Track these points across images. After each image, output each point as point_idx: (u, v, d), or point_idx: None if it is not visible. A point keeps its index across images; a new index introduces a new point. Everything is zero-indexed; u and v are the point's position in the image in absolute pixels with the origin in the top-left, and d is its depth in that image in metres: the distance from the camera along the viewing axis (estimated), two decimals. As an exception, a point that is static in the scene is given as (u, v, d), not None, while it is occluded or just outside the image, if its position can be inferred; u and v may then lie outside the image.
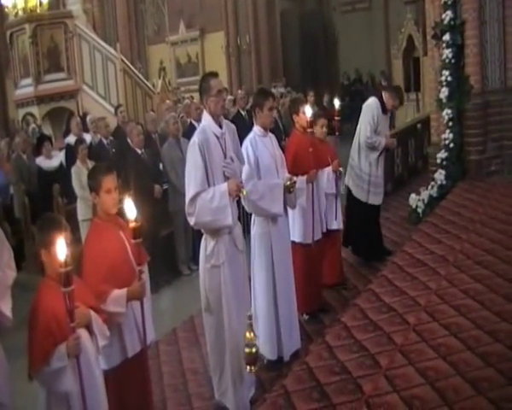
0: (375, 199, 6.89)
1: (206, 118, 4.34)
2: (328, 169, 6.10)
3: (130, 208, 3.32)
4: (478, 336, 4.10)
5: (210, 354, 4.46)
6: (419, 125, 10.95)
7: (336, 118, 6.21)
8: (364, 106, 6.93)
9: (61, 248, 2.81)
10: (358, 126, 6.86)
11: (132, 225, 3.34)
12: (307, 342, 5.15)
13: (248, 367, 4.49)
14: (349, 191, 6.97)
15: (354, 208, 6.94)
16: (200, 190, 4.14)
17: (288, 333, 4.98)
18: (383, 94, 6.88)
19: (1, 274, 3.63)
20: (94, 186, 3.77)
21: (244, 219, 5.59)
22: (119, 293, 3.62)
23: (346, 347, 4.32)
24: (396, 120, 15.21)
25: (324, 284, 6.12)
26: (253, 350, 4.47)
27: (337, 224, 6.25)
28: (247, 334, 4.45)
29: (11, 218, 9.10)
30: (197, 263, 4.86)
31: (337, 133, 6.26)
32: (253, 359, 4.49)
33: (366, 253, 6.97)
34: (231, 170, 4.29)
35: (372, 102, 6.86)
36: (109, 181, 3.73)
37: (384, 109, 6.83)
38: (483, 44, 8.34)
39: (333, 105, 6.72)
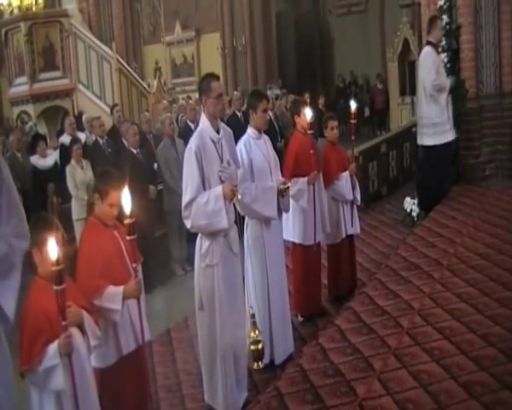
0: (450, 135, 7.42)
1: (204, 121, 4.33)
2: (346, 174, 5.92)
3: (127, 202, 3.24)
4: (471, 340, 4.12)
5: (201, 353, 4.44)
6: (414, 129, 10.94)
7: (352, 121, 5.87)
8: (421, 58, 7.45)
9: (52, 247, 2.79)
10: (420, 80, 7.29)
11: (127, 221, 3.28)
12: (301, 344, 5.14)
13: (256, 364, 4.51)
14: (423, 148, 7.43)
15: (429, 160, 7.46)
16: (196, 196, 4.14)
17: (282, 337, 4.96)
18: (431, 35, 7.40)
19: (6, 248, 2.91)
20: (100, 191, 3.72)
21: (238, 221, 5.56)
22: (115, 290, 3.60)
23: (340, 349, 4.32)
24: (391, 124, 15.27)
25: (341, 292, 6.04)
26: (259, 347, 4.50)
27: (354, 229, 6.12)
28: (252, 333, 4.47)
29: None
30: (191, 264, 4.85)
31: (353, 137, 5.97)
32: (260, 355, 4.51)
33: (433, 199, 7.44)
34: (228, 174, 4.29)
35: (426, 50, 7.37)
36: (117, 196, 3.58)
37: (437, 50, 7.41)
38: (478, 49, 8.39)
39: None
